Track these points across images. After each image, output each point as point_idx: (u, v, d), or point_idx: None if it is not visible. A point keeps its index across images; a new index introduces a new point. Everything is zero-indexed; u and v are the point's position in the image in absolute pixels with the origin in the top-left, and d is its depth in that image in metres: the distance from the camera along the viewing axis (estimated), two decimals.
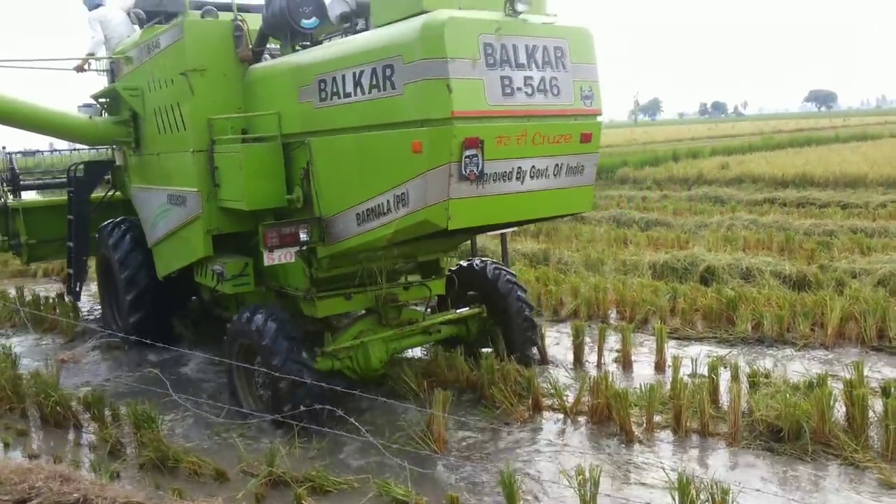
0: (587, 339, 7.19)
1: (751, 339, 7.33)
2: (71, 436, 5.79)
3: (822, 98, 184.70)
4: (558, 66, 4.99)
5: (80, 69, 8.53)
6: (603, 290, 8.60)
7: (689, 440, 5.24)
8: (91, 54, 8.49)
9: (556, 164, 5.15)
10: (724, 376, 5.96)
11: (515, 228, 7.14)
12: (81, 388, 6.65)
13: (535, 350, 7.02)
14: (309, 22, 6.03)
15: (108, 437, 5.45)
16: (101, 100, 8.43)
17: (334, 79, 5.27)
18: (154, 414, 5.43)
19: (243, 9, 6.85)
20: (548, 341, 7.47)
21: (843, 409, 5.18)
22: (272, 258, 5.56)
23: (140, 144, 7.86)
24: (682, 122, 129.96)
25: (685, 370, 6.16)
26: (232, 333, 5.98)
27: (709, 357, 6.50)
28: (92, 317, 9.59)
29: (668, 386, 5.84)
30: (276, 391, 5.51)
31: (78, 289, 9.17)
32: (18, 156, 11.43)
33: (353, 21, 5.87)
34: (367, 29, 5.61)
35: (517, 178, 4.94)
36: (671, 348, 7.00)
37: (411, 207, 4.85)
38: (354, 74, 5.08)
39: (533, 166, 5.00)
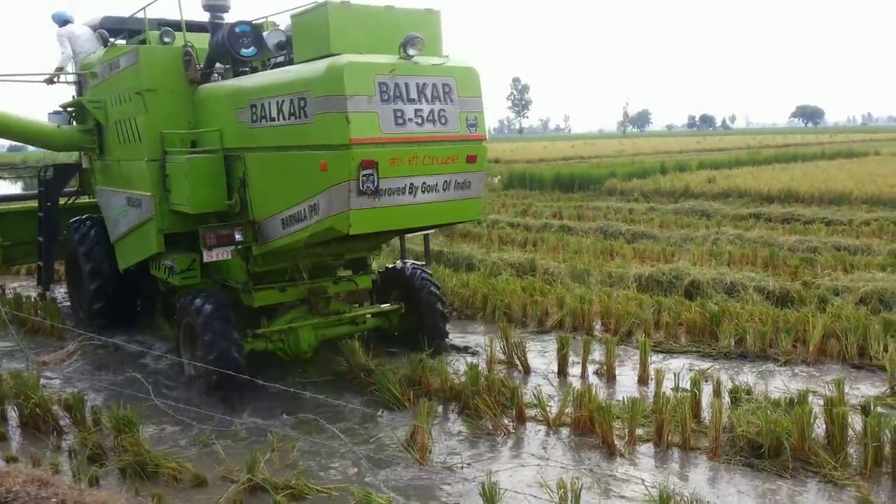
0: (571, 351, 7.21)
1: (733, 354, 7.37)
2: (51, 439, 5.73)
3: (809, 114, 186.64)
4: (446, 100, 5.93)
5: (50, 82, 9.31)
6: (588, 301, 8.63)
7: (671, 454, 5.27)
8: (60, 69, 9.20)
9: (445, 181, 6.08)
10: (707, 391, 5.99)
11: (435, 230, 8.37)
12: (62, 391, 6.59)
13: (447, 341, 7.86)
14: (247, 51, 6.99)
15: (88, 441, 5.40)
16: (69, 109, 9.44)
17: (262, 104, 6.25)
18: (135, 418, 5.39)
19: (199, 27, 7.82)
20: (531, 352, 7.48)
21: (824, 426, 5.22)
22: (211, 255, 6.59)
23: (104, 151, 8.78)
24: (670, 135, 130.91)
25: (668, 384, 6.18)
26: (179, 313, 6.94)
27: (691, 371, 6.54)
28: (68, 314, 9.50)
29: (651, 399, 5.87)
30: (209, 360, 6.37)
31: (48, 279, 9.99)
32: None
33: (288, 49, 6.68)
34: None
35: (410, 193, 5.86)
36: (654, 362, 7.03)
37: (321, 216, 5.81)
38: (277, 102, 6.05)
39: (424, 182, 5.92)
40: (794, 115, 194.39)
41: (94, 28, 9.11)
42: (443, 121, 5.94)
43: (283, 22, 7.15)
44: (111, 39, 8.76)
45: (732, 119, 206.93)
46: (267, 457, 5.06)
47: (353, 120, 5.47)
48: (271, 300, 7.12)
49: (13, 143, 14.29)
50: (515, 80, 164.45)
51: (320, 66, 5.64)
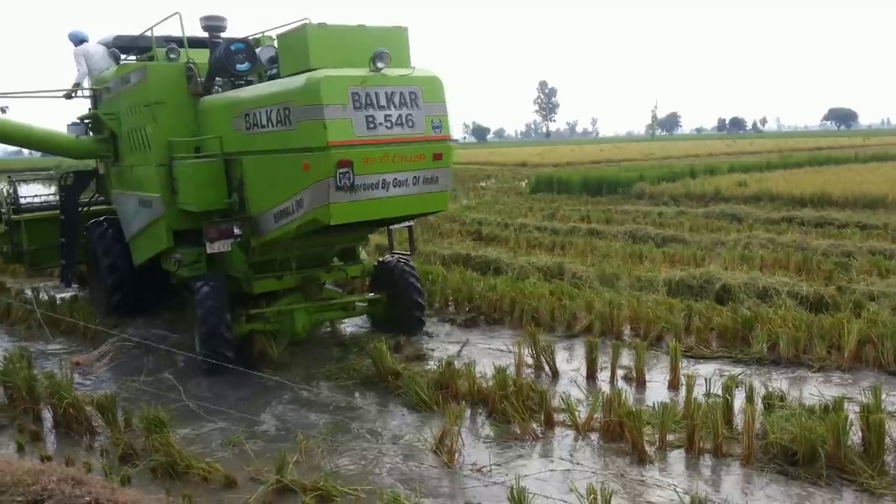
0: (600, 356, 7.15)
1: (766, 360, 7.25)
2: (84, 439, 5.82)
3: (843, 117, 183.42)
4: (413, 106, 6.72)
5: (68, 96, 10.14)
6: (617, 306, 8.55)
7: (702, 461, 5.19)
8: (77, 84, 10.07)
9: (415, 177, 6.88)
10: (739, 397, 5.90)
11: (413, 222, 8.89)
12: (95, 392, 6.68)
13: (424, 324, 8.72)
14: (242, 66, 7.84)
15: (120, 441, 5.47)
16: (86, 121, 10.36)
17: (254, 114, 7.12)
18: (165, 419, 5.44)
19: (201, 43, 8.72)
20: (560, 357, 7.43)
21: (860, 434, 5.10)
22: (213, 248, 7.52)
23: (118, 158, 9.62)
24: (699, 138, 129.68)
25: (699, 389, 6.10)
26: (192, 297, 7.72)
27: (723, 377, 6.43)
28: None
29: (682, 405, 5.80)
30: (200, 335, 7.45)
31: (70, 276, 10.86)
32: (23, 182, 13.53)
33: (277, 62, 7.44)
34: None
35: (382, 188, 6.68)
36: (685, 367, 6.95)
37: (306, 209, 6.71)
38: (267, 112, 6.92)
39: (395, 178, 6.74)
40: (827, 117, 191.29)
41: (107, 46, 9.94)
42: (410, 124, 6.73)
43: (276, 35, 7.73)
44: (122, 56, 9.73)
45: (763, 122, 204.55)
46: (295, 458, 5.09)
47: (330, 126, 6.32)
48: (270, 287, 7.99)
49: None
50: (542, 84, 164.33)
51: (300, 79, 6.53)
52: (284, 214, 7.02)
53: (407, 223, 8.67)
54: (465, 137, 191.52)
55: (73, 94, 10.16)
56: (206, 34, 8.68)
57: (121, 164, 9.61)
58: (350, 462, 5.29)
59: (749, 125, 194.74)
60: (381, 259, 9.19)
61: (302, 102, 6.46)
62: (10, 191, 11.88)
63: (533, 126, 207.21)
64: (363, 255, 8.96)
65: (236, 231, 7.52)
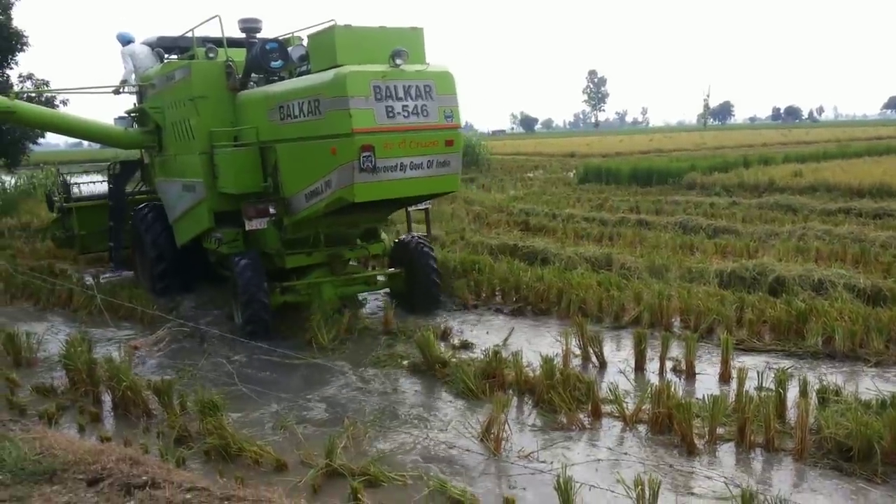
0: (649, 348, 7.07)
1: (821, 354, 7.08)
2: (141, 421, 6.00)
3: None
4: (427, 98, 7.54)
5: (117, 92, 11.22)
6: (667, 297, 8.44)
7: (754, 455, 5.11)
8: (125, 81, 11.07)
9: (429, 160, 7.68)
10: (792, 391, 5.78)
11: (431, 204, 9.80)
12: (152, 375, 6.88)
13: (441, 300, 9.45)
14: (276, 63, 8.78)
15: (175, 423, 5.63)
16: (132, 114, 11.41)
17: (288, 105, 7.96)
18: (219, 403, 5.57)
19: (237, 43, 9.68)
20: (607, 348, 7.38)
21: None
22: (251, 225, 8.38)
23: (162, 148, 10.58)
24: (753, 127, 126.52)
25: (751, 383, 5.99)
26: (229, 272, 8.66)
27: (776, 370, 6.31)
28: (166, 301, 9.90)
29: (733, 398, 5.71)
30: (240, 303, 8.31)
31: (117, 257, 11.83)
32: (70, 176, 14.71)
33: (308, 60, 8.30)
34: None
35: (400, 170, 7.51)
36: (737, 360, 6.83)
37: (333, 188, 7.54)
38: (299, 104, 7.78)
39: (412, 162, 7.56)
40: (887, 105, 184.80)
41: (151, 46, 10.94)
42: (425, 114, 7.53)
43: (307, 36, 8.54)
44: (166, 55, 10.74)
45: (820, 111, 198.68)
46: (343, 443, 5.16)
47: (354, 115, 7.14)
48: (300, 262, 8.84)
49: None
50: (592, 73, 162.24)
51: (329, 74, 7.35)
52: (315, 194, 7.84)
53: (424, 206, 9.57)
54: (512, 128, 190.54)
55: (121, 90, 11.18)
56: (242, 35, 9.64)
57: (164, 154, 10.52)
58: (397, 448, 5.34)
59: (805, 114, 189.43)
60: (400, 238, 9.87)
61: (330, 94, 7.29)
62: (62, 181, 13.04)
63: (581, 116, 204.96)
64: (384, 236, 9.71)
65: (271, 210, 8.38)
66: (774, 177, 21.06)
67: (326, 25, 7.72)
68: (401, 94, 7.38)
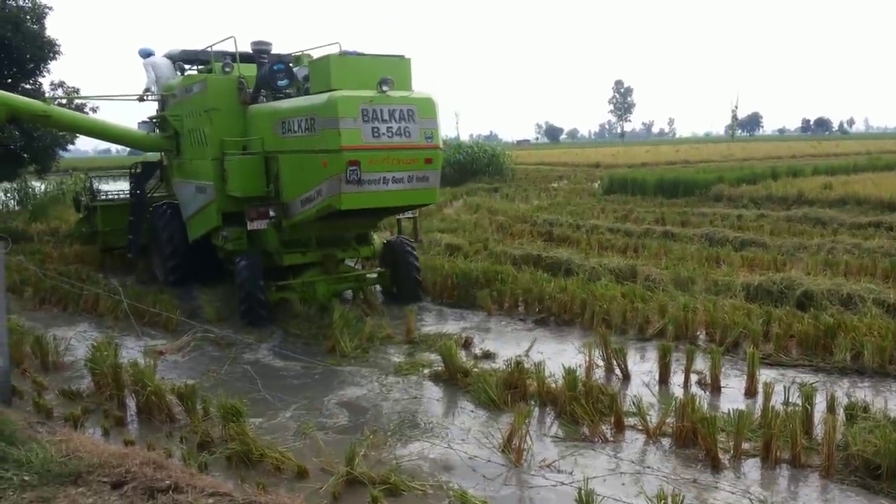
0: (673, 361, 7.00)
1: (849, 370, 6.97)
2: (164, 426, 6.05)
3: None
4: (410, 120, 8.45)
5: (140, 99, 12.48)
6: (692, 310, 8.36)
7: (779, 471, 5.03)
8: (148, 90, 12.30)
9: (409, 175, 8.61)
10: (819, 406, 5.69)
11: (416, 213, 10.98)
12: (176, 380, 6.93)
13: (421, 294, 10.40)
14: (282, 83, 9.82)
15: (198, 428, 5.67)
16: (154, 120, 12.43)
17: (289, 121, 9.00)
18: (242, 409, 5.60)
19: (249, 59, 10.89)
20: (631, 360, 7.32)
21: None
22: (252, 225, 9.35)
23: (180, 152, 11.57)
24: (782, 139, 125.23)
25: (777, 398, 5.91)
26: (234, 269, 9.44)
27: (803, 386, 6.21)
28: (190, 307, 9.99)
29: (759, 413, 5.62)
30: (239, 298, 9.22)
31: (135, 248, 12.54)
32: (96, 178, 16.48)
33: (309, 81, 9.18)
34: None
35: (383, 183, 8.43)
36: (763, 374, 6.73)
37: (323, 196, 8.52)
38: (298, 121, 8.80)
39: (394, 176, 8.48)
40: None
41: (173, 58, 12.03)
42: (407, 135, 8.44)
43: (317, 55, 9.77)
44: (186, 67, 11.93)
45: (850, 122, 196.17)
46: (363, 451, 5.16)
47: (343, 133, 8.08)
48: (296, 260, 9.74)
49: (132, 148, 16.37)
50: (618, 83, 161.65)
51: (323, 97, 8.33)
52: (308, 201, 8.82)
53: (411, 214, 10.69)
54: (537, 138, 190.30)
55: (145, 98, 12.41)
56: (253, 53, 10.86)
57: (182, 157, 11.52)
58: (417, 456, 5.33)
59: (835, 126, 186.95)
60: (387, 240, 10.77)
61: (323, 115, 8.25)
62: (88, 184, 14.51)
63: (607, 126, 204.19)
64: (375, 239, 10.61)
65: (271, 213, 9.34)
66: (803, 189, 20.81)
67: (329, 50, 8.90)
68: (386, 116, 8.29)
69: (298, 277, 9.72)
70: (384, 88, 8.32)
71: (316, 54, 10.15)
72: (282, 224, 9.51)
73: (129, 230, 12.67)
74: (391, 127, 8.33)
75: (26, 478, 4.44)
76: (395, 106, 8.36)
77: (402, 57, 8.90)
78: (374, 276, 10.52)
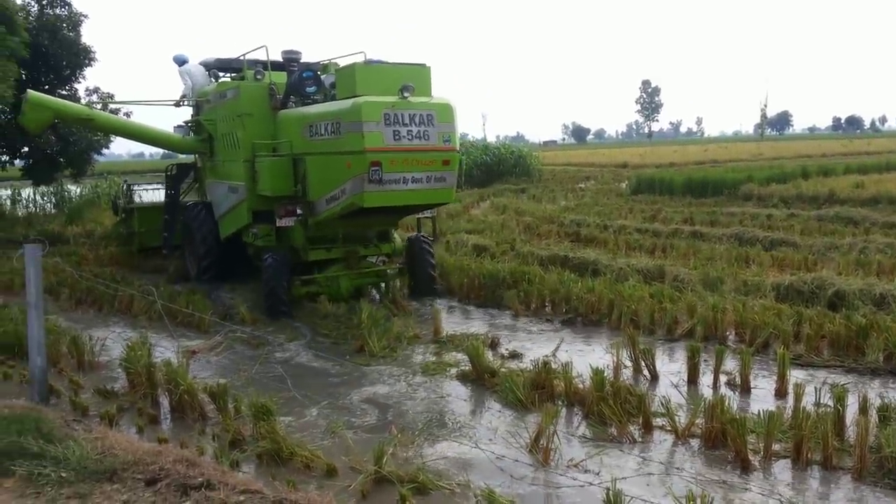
0: (702, 361, 6.95)
1: (882, 371, 6.87)
2: (196, 423, 6.15)
3: None
4: (429, 124, 8.96)
5: (177, 105, 13.25)
6: (721, 310, 8.29)
7: (810, 472, 4.98)
8: (183, 96, 13.02)
9: (427, 176, 9.12)
10: (851, 408, 5.61)
11: (434, 212, 11.84)
12: (208, 380, 7.04)
13: (436, 288, 10.92)
14: (310, 89, 10.49)
15: (230, 427, 5.75)
16: (189, 124, 13.15)
17: (317, 125, 9.54)
18: (272, 407, 5.68)
19: (280, 66, 11.44)
20: (659, 361, 7.29)
21: None
22: (281, 222, 9.94)
23: (213, 154, 12.26)
24: (813, 137, 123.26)
25: (808, 399, 5.84)
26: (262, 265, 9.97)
27: (834, 387, 6.14)
28: (222, 307, 10.13)
29: (789, 414, 5.57)
30: (264, 293, 9.84)
31: (169, 245, 13.27)
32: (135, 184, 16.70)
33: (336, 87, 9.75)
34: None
35: (403, 182, 8.95)
36: (793, 375, 6.67)
37: (347, 195, 9.06)
38: (325, 124, 9.33)
39: (413, 176, 9.00)
40: None
41: (208, 66, 12.69)
42: (426, 138, 8.95)
43: (343, 62, 10.57)
44: (220, 74, 12.55)
45: (883, 120, 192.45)
46: (391, 450, 5.20)
47: (367, 136, 8.60)
48: (320, 256, 10.26)
49: (167, 151, 17.67)
50: (645, 83, 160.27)
51: (348, 103, 8.88)
52: (333, 199, 9.35)
53: (429, 213, 11.46)
54: (564, 138, 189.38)
55: (181, 103, 13.09)
56: (284, 62, 11.43)
57: (215, 159, 12.20)
58: (445, 456, 5.36)
59: (867, 124, 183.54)
60: (408, 237, 11.22)
61: (348, 119, 8.79)
62: (125, 188, 15.27)
63: (634, 126, 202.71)
64: (396, 237, 11.03)
65: (299, 211, 9.91)
66: (834, 188, 20.53)
67: (355, 58, 9.73)
68: (406, 120, 8.79)
69: (323, 272, 10.19)
70: (405, 94, 8.80)
71: (342, 62, 10.87)
72: (308, 221, 10.01)
73: (163, 228, 13.34)
74: (411, 130, 8.82)
75: (63, 474, 4.55)
76: (415, 111, 8.86)
77: (422, 65, 9.45)
78: (394, 271, 10.92)
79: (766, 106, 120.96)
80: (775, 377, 6.64)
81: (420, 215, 11.26)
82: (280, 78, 11.12)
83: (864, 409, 5.53)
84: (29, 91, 12.87)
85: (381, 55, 9.58)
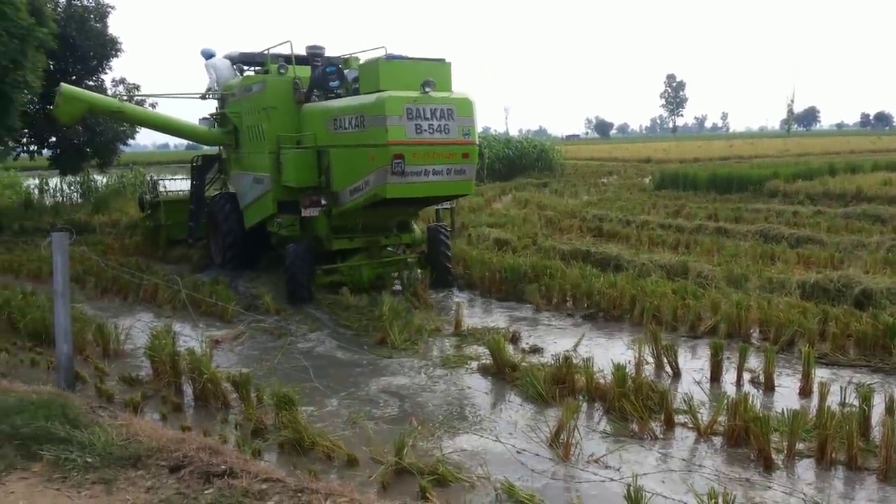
0: (725, 359, 6.89)
1: None
2: (219, 412, 6.21)
3: None
4: (449, 118, 9.27)
5: (203, 97, 13.47)
6: (746, 307, 8.21)
7: (834, 472, 4.92)
8: (209, 89, 13.26)
9: (448, 168, 9.42)
10: (877, 408, 5.54)
11: (453, 204, 11.71)
12: (231, 369, 7.10)
13: (450, 278, 11.18)
14: (334, 83, 10.87)
15: (252, 416, 5.80)
16: (214, 117, 13.39)
17: (341, 119, 9.88)
18: (294, 397, 5.71)
19: (303, 60, 11.75)
20: (682, 357, 7.24)
21: None
22: (306, 212, 10.25)
23: (238, 146, 12.54)
24: (840, 134, 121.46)
25: (833, 398, 5.77)
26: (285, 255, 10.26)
27: (860, 386, 6.05)
28: (245, 297, 10.21)
29: (814, 413, 5.51)
30: (286, 279, 10.11)
31: (195, 235, 13.68)
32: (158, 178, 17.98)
33: (359, 82, 10.11)
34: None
35: (424, 175, 9.25)
36: (818, 374, 6.59)
37: (371, 186, 9.39)
38: (349, 118, 9.66)
39: (434, 169, 9.30)
40: None
41: (233, 60, 13.07)
42: (446, 131, 9.26)
43: (364, 57, 10.93)
44: (245, 69, 13.04)
45: None
46: (412, 441, 5.22)
47: (390, 130, 8.92)
48: (343, 245, 10.57)
49: (191, 142, 18.17)
50: (670, 77, 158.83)
51: (372, 97, 9.21)
52: (357, 190, 9.66)
53: (448, 205, 11.47)
54: (587, 132, 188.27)
55: (207, 96, 13.36)
56: (308, 56, 11.75)
57: (240, 151, 12.50)
58: (465, 448, 5.37)
59: None
60: (427, 227, 11.54)
61: (372, 113, 9.13)
62: (151, 183, 15.85)
63: (658, 121, 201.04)
64: (415, 228, 11.37)
65: (323, 202, 10.23)
66: (862, 185, 20.24)
67: (377, 53, 9.93)
68: (428, 115, 9.11)
69: (345, 262, 10.50)
70: (427, 90, 9.11)
71: (362, 57, 11.20)
72: (332, 211, 10.30)
73: (189, 218, 13.76)
74: (432, 124, 9.13)
75: (89, 459, 4.61)
76: (436, 105, 9.16)
77: (442, 61, 9.76)
78: (414, 260, 11.21)
79: (792, 101, 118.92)
80: (800, 376, 6.57)
81: (439, 207, 11.56)
82: (303, 72, 11.37)
83: (890, 409, 5.46)
84: (62, 84, 13.22)
85: (404, 48, 9.91)
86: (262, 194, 11.41)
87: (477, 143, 9.79)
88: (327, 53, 12.08)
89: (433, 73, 9.36)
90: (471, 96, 9.60)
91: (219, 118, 13.24)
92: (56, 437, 4.82)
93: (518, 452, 5.18)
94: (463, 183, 9.75)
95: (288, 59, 11.49)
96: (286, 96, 11.18)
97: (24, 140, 22.00)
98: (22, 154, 22.80)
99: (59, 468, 4.55)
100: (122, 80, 23.48)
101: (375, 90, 9.24)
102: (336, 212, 10.29)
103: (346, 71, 11.02)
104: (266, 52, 11.91)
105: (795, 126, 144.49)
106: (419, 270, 11.18)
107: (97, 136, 21.77)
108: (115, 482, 4.38)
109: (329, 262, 10.51)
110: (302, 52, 11.87)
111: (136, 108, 14.42)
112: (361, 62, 10.37)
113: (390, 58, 9.58)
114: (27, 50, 14.90)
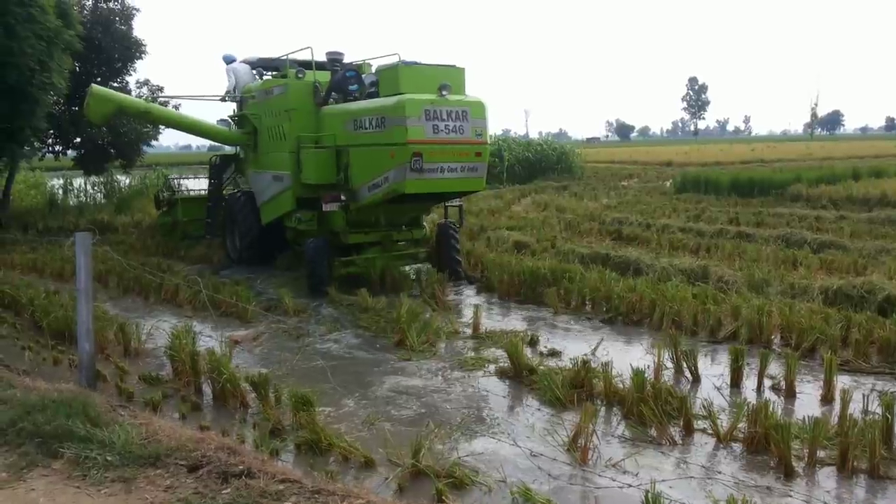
0: (746, 365, 6.83)
1: None
2: (238, 412, 6.25)
3: None
4: (463, 119, 9.99)
5: (223, 100, 14.05)
6: (767, 313, 8.12)
7: (856, 481, 4.86)
8: (229, 92, 13.83)
9: (462, 166, 10.13)
10: None
11: (463, 201, 12.41)
12: (250, 369, 7.14)
13: (460, 271, 11.81)
14: (352, 87, 11.50)
15: (270, 416, 5.83)
16: (234, 118, 13.92)
17: (361, 120, 10.56)
18: (312, 398, 5.73)
19: (322, 66, 12.29)
20: (702, 363, 7.18)
21: None
22: (327, 207, 10.97)
23: (256, 146, 13.20)
24: (865, 138, 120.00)
25: (855, 405, 5.70)
26: (303, 250, 10.99)
27: (883, 394, 5.97)
28: (265, 298, 10.27)
29: (835, 420, 5.44)
30: (307, 273, 10.76)
31: (212, 231, 14.17)
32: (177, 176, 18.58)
33: (376, 85, 10.85)
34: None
35: (440, 172, 9.95)
36: (840, 381, 6.51)
37: (390, 182, 10.06)
38: (370, 119, 10.35)
39: (449, 166, 10.00)
40: None
41: (252, 64, 13.68)
42: (461, 132, 9.98)
43: (376, 63, 11.83)
44: (264, 73, 13.58)
45: None
46: (429, 444, 5.21)
47: (410, 129, 9.61)
48: (359, 239, 11.22)
49: (213, 144, 18.42)
50: (692, 80, 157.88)
51: (393, 99, 9.90)
52: (375, 186, 10.32)
53: (458, 202, 12.12)
54: (607, 135, 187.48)
55: (227, 99, 13.94)
56: (326, 61, 12.37)
57: (258, 151, 13.10)
58: (482, 451, 5.36)
59: None
60: (437, 223, 12.23)
61: (393, 114, 9.81)
62: (167, 182, 16.61)
63: (680, 124, 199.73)
64: (425, 224, 12.07)
65: (342, 197, 10.92)
66: (887, 190, 19.99)
67: (394, 59, 10.45)
68: (444, 116, 9.80)
69: (361, 254, 11.16)
70: (443, 93, 9.81)
71: (375, 63, 11.94)
72: (350, 207, 10.95)
73: (206, 215, 14.33)
74: (448, 125, 9.83)
75: (109, 458, 4.65)
76: (451, 107, 9.86)
77: (457, 67, 10.48)
78: (424, 254, 11.92)
79: (816, 105, 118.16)
80: (821, 383, 6.49)
81: (449, 203, 12.17)
82: (322, 77, 12.03)
83: None
84: (93, 85, 13.80)
85: (425, 52, 10.71)
86: (281, 191, 12.03)
87: (488, 142, 10.55)
88: (344, 59, 12.65)
89: (448, 77, 10.04)
90: (483, 99, 10.29)
91: (237, 119, 13.79)
92: (77, 435, 4.87)
93: (535, 456, 5.16)
94: (475, 180, 10.43)
95: (308, 65, 12.09)
96: (306, 99, 11.85)
97: (50, 140, 22.32)
98: (47, 154, 23.12)
99: (80, 466, 4.59)
100: (146, 82, 23.81)
101: (396, 93, 9.89)
102: (354, 207, 10.89)
103: (363, 76, 11.61)
104: (286, 57, 12.54)
105: (819, 130, 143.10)
106: (429, 265, 11.82)
107: (121, 136, 22.06)
108: (135, 481, 4.41)
109: (345, 256, 11.12)
110: (322, 57, 12.40)
111: (162, 108, 15.08)
112: (380, 67, 10.93)
113: (406, 64, 10.15)
114: (54, 52, 15.14)
